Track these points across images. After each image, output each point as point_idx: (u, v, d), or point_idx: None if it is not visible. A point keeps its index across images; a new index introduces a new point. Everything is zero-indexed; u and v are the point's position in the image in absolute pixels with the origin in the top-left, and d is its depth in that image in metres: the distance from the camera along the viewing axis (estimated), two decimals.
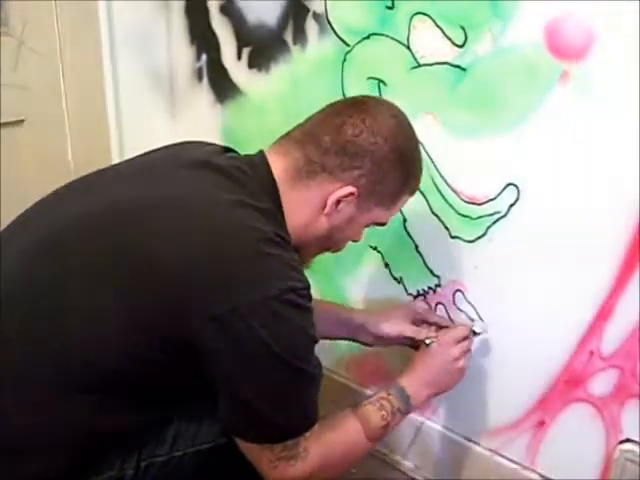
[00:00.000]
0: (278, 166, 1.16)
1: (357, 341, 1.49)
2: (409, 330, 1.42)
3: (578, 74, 1.21)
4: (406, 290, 1.61)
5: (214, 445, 1.17)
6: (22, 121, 2.28)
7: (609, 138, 1.21)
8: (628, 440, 1.32)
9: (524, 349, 1.42)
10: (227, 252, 1.02)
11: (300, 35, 1.66)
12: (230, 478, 1.17)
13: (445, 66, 1.39)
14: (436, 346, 1.35)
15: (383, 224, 1.27)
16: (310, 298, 1.07)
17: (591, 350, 1.32)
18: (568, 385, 1.37)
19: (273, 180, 1.15)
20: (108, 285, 1.03)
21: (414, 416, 1.59)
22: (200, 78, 1.99)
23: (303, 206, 1.17)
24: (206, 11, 1.91)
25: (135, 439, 1.12)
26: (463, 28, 1.34)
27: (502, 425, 1.51)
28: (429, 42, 1.40)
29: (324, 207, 1.16)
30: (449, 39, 1.36)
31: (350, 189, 1.15)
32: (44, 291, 1.07)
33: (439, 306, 1.54)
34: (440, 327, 1.42)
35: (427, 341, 1.37)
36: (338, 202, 1.16)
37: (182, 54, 2.03)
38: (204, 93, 1.98)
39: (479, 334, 1.42)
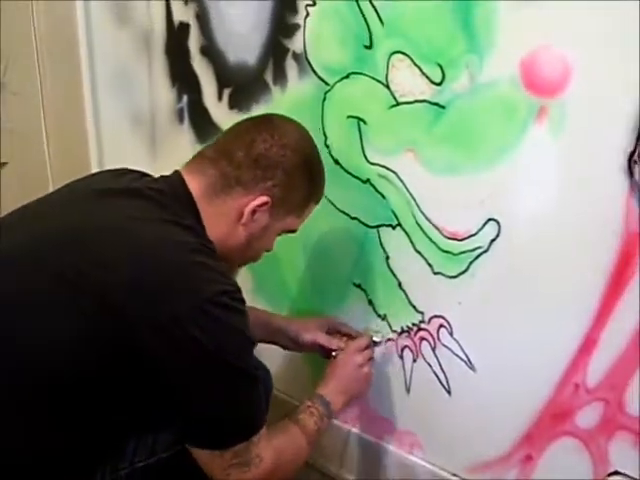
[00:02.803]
0: (194, 184, 1.23)
1: (275, 344, 1.59)
2: (322, 338, 1.54)
3: (555, 110, 1.22)
4: (390, 327, 1.60)
5: (173, 452, 1.23)
6: (4, 163, 2.28)
7: (587, 174, 1.22)
8: (617, 473, 1.31)
9: (509, 383, 1.42)
10: (160, 266, 1.08)
11: (280, 75, 1.67)
12: None
13: (424, 104, 1.40)
14: (342, 356, 1.49)
15: (294, 231, 1.37)
16: (243, 301, 1.14)
17: (576, 383, 1.32)
18: (554, 419, 1.37)
19: (191, 198, 1.22)
20: (50, 310, 1.07)
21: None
22: (181, 119, 2.00)
23: (221, 219, 1.24)
24: (187, 52, 1.92)
25: (96, 456, 1.17)
26: (440, 66, 1.35)
27: (489, 460, 1.49)
28: (407, 80, 1.41)
29: (240, 218, 1.24)
30: (427, 77, 1.38)
31: (264, 199, 1.24)
32: None
33: (423, 342, 1.54)
34: (350, 337, 1.56)
35: (334, 353, 1.51)
36: (254, 212, 1.24)
37: (163, 95, 2.04)
38: (185, 134, 1.99)
39: (379, 343, 1.58)
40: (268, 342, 1.57)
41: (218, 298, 1.07)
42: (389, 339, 1.60)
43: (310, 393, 1.43)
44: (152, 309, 1.04)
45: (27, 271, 1.11)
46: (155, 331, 1.04)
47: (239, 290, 1.13)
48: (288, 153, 1.25)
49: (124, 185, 1.23)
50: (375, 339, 1.56)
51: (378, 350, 1.59)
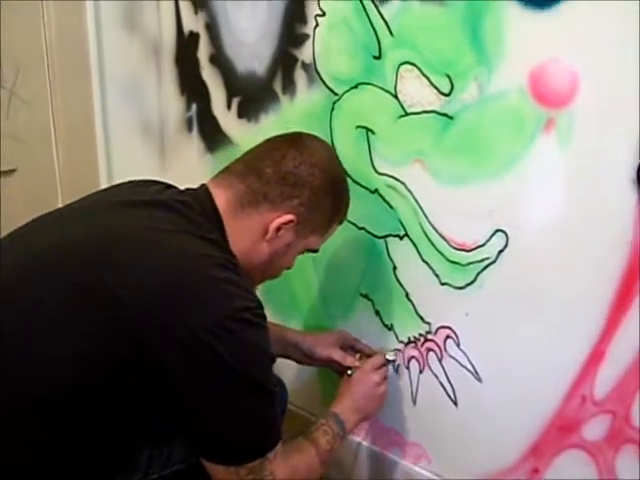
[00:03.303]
0: (221, 198, 1.23)
1: (289, 358, 1.58)
2: (337, 355, 1.54)
3: (563, 121, 1.22)
4: (397, 337, 1.60)
5: (188, 465, 1.22)
6: (13, 170, 2.29)
7: (595, 185, 1.22)
8: None
9: (515, 395, 1.42)
10: (182, 280, 1.07)
11: (289, 85, 1.68)
12: None
13: (432, 114, 1.40)
14: (358, 374, 1.49)
15: (315, 251, 1.37)
16: (264, 317, 1.12)
17: (583, 395, 1.31)
18: (561, 431, 1.36)
19: (217, 211, 1.22)
20: (65, 321, 1.05)
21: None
22: (190, 128, 2.00)
23: (246, 234, 1.23)
24: (196, 61, 1.93)
25: (108, 466, 1.16)
26: (449, 77, 1.36)
27: (495, 472, 1.49)
28: (416, 91, 1.41)
29: (265, 234, 1.24)
30: (436, 88, 1.38)
31: (290, 217, 1.23)
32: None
33: (430, 353, 1.54)
34: (363, 354, 1.56)
35: (349, 371, 1.50)
36: (279, 229, 1.24)
37: (172, 104, 2.05)
38: (194, 143, 1.99)
39: (393, 361, 1.57)
40: (281, 356, 1.56)
41: (240, 314, 1.06)
42: (396, 349, 1.60)
43: (323, 409, 1.43)
44: (172, 322, 1.03)
45: (45, 280, 1.09)
46: (174, 345, 1.03)
47: (261, 306, 1.12)
48: (316, 172, 1.25)
49: (149, 196, 1.22)
50: (389, 357, 1.55)
51: (391, 368, 1.59)
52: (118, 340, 1.03)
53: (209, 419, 1.08)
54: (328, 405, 1.44)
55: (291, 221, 1.24)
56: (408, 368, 1.60)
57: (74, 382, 1.04)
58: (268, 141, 1.32)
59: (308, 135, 1.36)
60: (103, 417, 1.08)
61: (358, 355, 1.56)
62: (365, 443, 1.75)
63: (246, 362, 1.07)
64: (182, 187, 1.30)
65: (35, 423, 1.05)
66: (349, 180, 1.42)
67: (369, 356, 1.55)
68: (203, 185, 1.27)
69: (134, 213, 1.17)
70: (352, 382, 1.47)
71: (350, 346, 1.58)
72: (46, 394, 1.04)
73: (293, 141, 1.30)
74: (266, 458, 1.13)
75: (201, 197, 1.23)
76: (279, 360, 1.34)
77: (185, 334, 1.02)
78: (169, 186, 1.29)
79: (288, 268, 1.37)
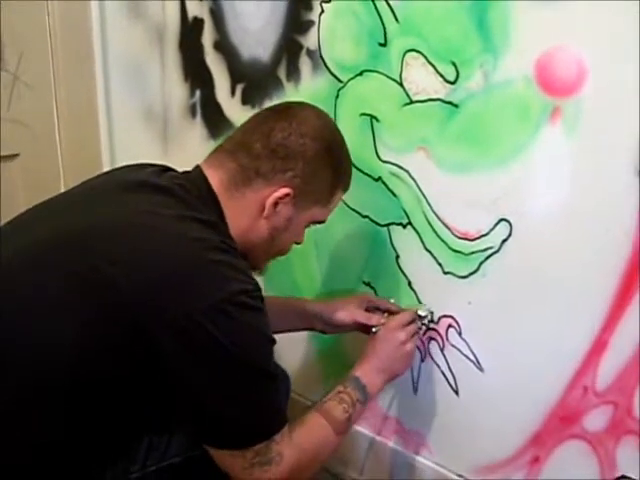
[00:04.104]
0: (215, 179, 1.22)
1: (314, 330, 1.54)
2: (361, 316, 1.47)
3: (569, 110, 1.21)
4: None
5: (186, 457, 1.22)
6: (16, 155, 2.28)
7: (601, 175, 1.21)
8: (624, 477, 1.31)
9: (517, 385, 1.41)
10: (178, 264, 1.06)
11: (293, 71, 1.67)
12: None
13: (437, 102, 1.39)
14: (383, 332, 1.41)
15: (322, 222, 1.35)
16: (262, 300, 1.11)
17: (585, 386, 1.31)
18: (562, 421, 1.36)
19: (213, 193, 1.21)
20: (66, 310, 1.05)
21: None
22: (194, 114, 2.00)
23: (243, 213, 1.22)
24: (200, 47, 1.92)
25: (107, 458, 1.16)
26: (455, 64, 1.35)
27: (496, 462, 1.49)
28: (421, 78, 1.41)
29: (262, 211, 1.22)
30: (441, 75, 1.37)
31: (286, 190, 1.21)
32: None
33: (432, 342, 1.53)
34: (391, 313, 1.47)
35: (374, 329, 1.42)
36: (276, 204, 1.22)
37: (176, 90, 2.04)
38: (197, 129, 1.99)
39: (424, 317, 1.47)
40: (305, 329, 1.55)
41: (237, 297, 1.06)
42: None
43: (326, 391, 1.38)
44: (168, 306, 1.02)
45: (47, 268, 1.09)
46: (171, 329, 1.02)
47: (259, 289, 1.11)
48: (307, 142, 1.23)
49: (144, 179, 1.21)
50: (420, 313, 1.47)
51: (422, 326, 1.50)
52: (117, 327, 1.03)
53: (209, 404, 1.07)
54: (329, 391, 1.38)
55: (287, 194, 1.22)
56: None
57: (73, 370, 1.04)
58: (257, 115, 1.31)
59: (298, 103, 1.35)
60: (103, 406, 1.08)
61: (386, 314, 1.47)
62: (365, 431, 1.75)
63: (244, 345, 1.06)
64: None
65: (35, 411, 1.05)
66: (353, 167, 1.42)
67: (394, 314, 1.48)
68: (197, 167, 1.26)
69: (133, 198, 1.17)
70: (376, 341, 1.40)
71: (376, 307, 1.50)
72: (45, 382, 1.04)
73: (281, 112, 1.28)
74: (272, 440, 1.12)
75: (196, 179, 1.22)
76: (277, 347, 1.35)
77: (182, 318, 1.02)
78: (165, 169, 1.27)
79: (298, 243, 1.35)
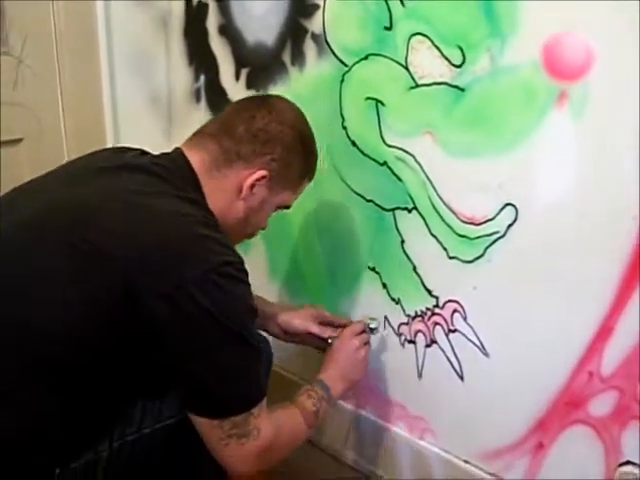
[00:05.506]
0: (196, 159, 1.27)
1: (266, 331, 1.58)
2: (315, 328, 1.56)
3: (576, 95, 1.21)
4: (404, 311, 1.60)
5: (179, 418, 1.24)
6: (20, 140, 2.28)
7: (607, 159, 1.21)
8: (628, 462, 1.31)
9: (522, 370, 1.42)
10: (166, 237, 1.11)
11: (298, 56, 1.67)
12: (200, 448, 1.20)
13: (443, 86, 1.39)
14: (338, 341, 1.51)
15: (288, 207, 1.41)
16: (246, 273, 1.16)
17: (590, 371, 1.31)
18: (567, 407, 1.36)
19: (193, 172, 1.26)
20: (63, 280, 1.09)
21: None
22: (198, 99, 2.00)
23: (222, 193, 1.28)
24: (205, 32, 1.92)
25: (105, 423, 1.20)
26: (461, 48, 1.34)
27: (501, 447, 1.49)
28: (427, 62, 1.40)
29: (240, 192, 1.28)
30: (447, 59, 1.37)
31: (263, 172, 1.28)
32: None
33: (437, 327, 1.53)
34: (343, 327, 1.54)
35: (329, 340, 1.52)
36: (253, 186, 1.28)
37: (181, 75, 2.04)
38: (202, 113, 1.99)
39: (375, 329, 1.56)
40: (259, 329, 1.56)
41: (223, 268, 1.10)
42: (403, 323, 1.61)
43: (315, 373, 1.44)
44: (159, 279, 1.06)
45: (46, 241, 1.12)
46: (162, 299, 1.06)
47: (242, 262, 1.15)
48: (286, 129, 1.30)
49: (127, 161, 1.26)
50: (371, 326, 1.55)
51: (375, 338, 1.59)
52: (112, 297, 1.07)
53: (194, 371, 1.11)
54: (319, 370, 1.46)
55: (264, 177, 1.28)
56: (415, 342, 1.60)
57: (71, 340, 1.08)
58: (237, 103, 1.39)
59: (275, 96, 1.43)
60: (100, 373, 1.11)
61: (339, 330, 1.54)
62: (370, 416, 1.75)
63: (230, 314, 1.10)
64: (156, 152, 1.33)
65: (34, 380, 1.08)
66: (358, 151, 1.42)
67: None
68: (177, 148, 1.30)
69: (115, 177, 1.21)
70: (333, 350, 1.49)
71: (328, 322, 1.58)
72: (44, 352, 1.08)
73: (261, 101, 1.36)
74: (250, 413, 1.15)
75: (177, 160, 1.27)
76: None
77: (171, 288, 1.06)
78: (144, 152, 1.32)
79: (262, 228, 1.41)
